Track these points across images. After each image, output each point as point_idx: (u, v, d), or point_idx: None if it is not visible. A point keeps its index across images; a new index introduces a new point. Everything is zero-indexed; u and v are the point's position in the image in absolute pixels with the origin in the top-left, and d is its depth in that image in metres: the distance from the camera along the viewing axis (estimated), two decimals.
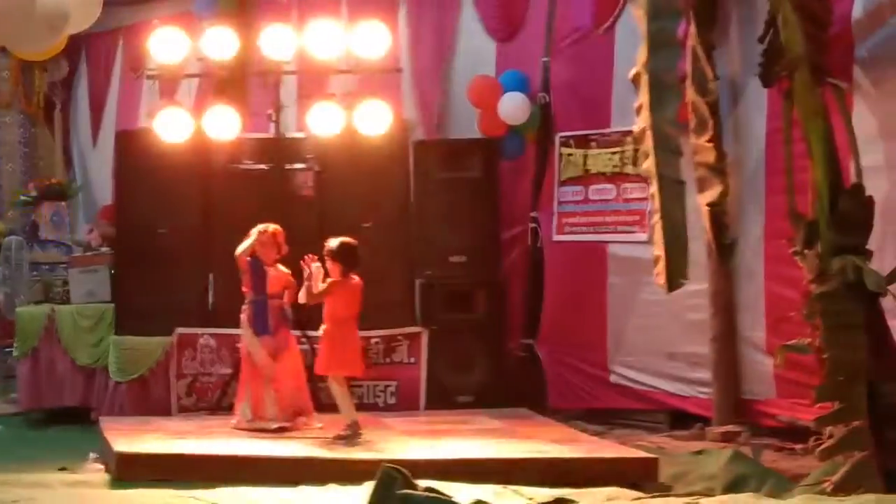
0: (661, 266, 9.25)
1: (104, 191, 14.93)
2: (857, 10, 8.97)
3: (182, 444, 9.33)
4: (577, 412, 11.11)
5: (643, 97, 9.41)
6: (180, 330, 11.19)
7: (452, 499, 7.23)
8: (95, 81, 15.54)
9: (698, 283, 9.87)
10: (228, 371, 11.01)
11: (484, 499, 7.46)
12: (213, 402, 10.98)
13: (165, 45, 11.26)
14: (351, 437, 9.48)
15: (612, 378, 11.04)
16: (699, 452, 9.08)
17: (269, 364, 10.09)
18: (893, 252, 8.62)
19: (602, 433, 10.34)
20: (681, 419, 10.45)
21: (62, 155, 16.05)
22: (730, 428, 9.79)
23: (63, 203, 14.99)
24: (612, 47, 11.04)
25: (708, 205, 9.24)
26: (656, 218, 9.32)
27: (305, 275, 9.69)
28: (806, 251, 8.17)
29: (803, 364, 8.60)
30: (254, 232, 10.15)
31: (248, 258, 10.15)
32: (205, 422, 10.50)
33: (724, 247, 9.36)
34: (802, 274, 8.31)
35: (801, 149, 8.35)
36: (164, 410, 11.05)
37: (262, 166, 11.42)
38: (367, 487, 7.48)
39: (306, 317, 10.45)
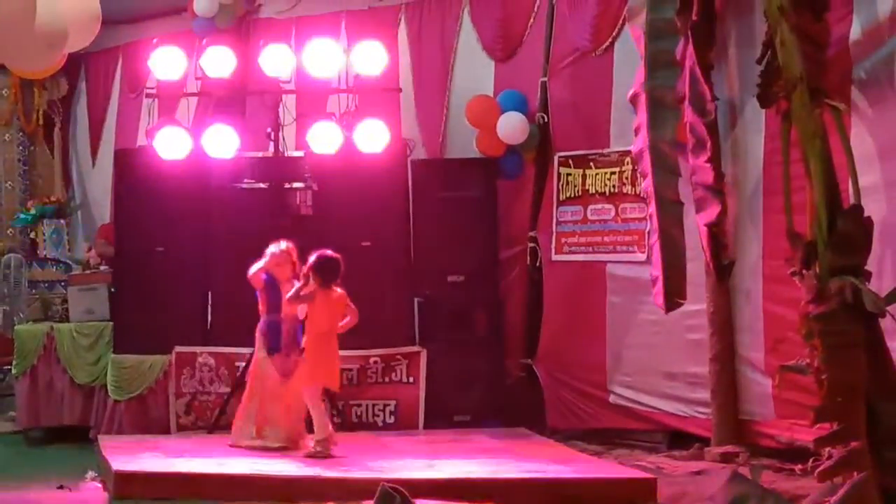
0: (660, 286, 9.27)
1: (103, 209, 14.92)
2: (855, 32, 8.99)
3: (180, 463, 9.32)
4: (576, 432, 11.10)
5: (642, 117, 9.44)
6: (179, 348, 11.18)
7: None
8: (94, 100, 15.54)
9: (697, 304, 9.87)
10: (227, 390, 11.01)
11: None
12: (212, 421, 10.97)
13: (164, 63, 11.32)
14: (321, 452, 9.50)
15: (611, 398, 11.02)
16: (698, 473, 9.08)
17: (277, 382, 10.08)
18: (892, 273, 8.62)
19: (601, 453, 10.34)
20: (679, 439, 10.43)
21: (61, 173, 16.04)
22: (729, 448, 9.76)
23: (62, 221, 15.03)
24: (611, 68, 11.04)
25: (706, 225, 9.22)
26: (655, 238, 9.34)
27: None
28: (804, 272, 8.16)
29: (802, 385, 8.58)
30: (268, 252, 10.14)
31: (264, 277, 10.14)
32: (203, 440, 10.50)
33: (722, 267, 9.34)
34: (801, 294, 8.30)
35: (799, 169, 8.35)
36: (162, 429, 11.05)
37: (261, 185, 11.43)
38: None
39: None
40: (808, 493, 8.07)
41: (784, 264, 8.59)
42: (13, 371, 12.17)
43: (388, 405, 11.17)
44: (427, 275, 11.52)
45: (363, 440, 9.82)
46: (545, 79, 11.68)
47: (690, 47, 9.40)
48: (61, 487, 9.21)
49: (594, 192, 11.19)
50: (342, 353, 10.05)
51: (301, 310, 9.88)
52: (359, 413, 10.97)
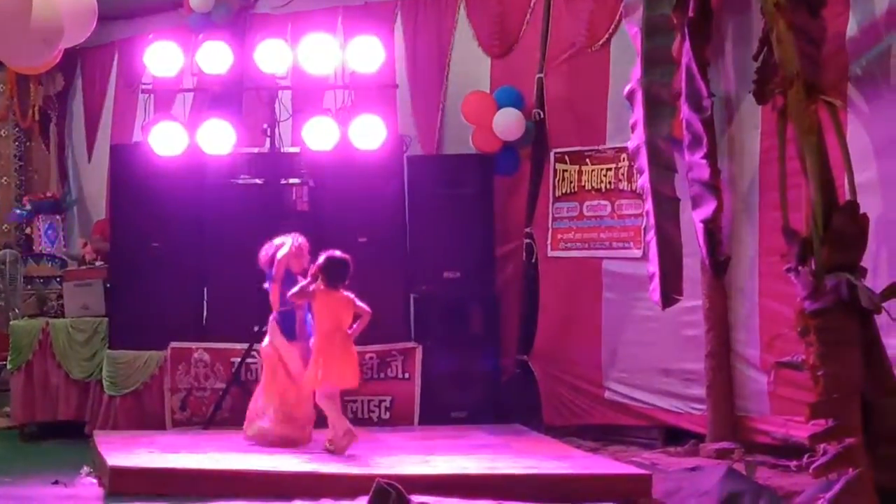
0: (657, 282, 9.26)
1: (99, 205, 14.91)
2: (852, 29, 8.99)
3: (176, 459, 9.31)
4: (572, 428, 11.10)
5: (638, 114, 9.42)
6: (174, 344, 11.18)
7: None
8: (90, 95, 15.51)
9: (693, 300, 9.87)
10: (222, 385, 11.00)
11: None
12: (207, 417, 10.96)
13: (160, 59, 11.29)
14: (338, 447, 9.51)
15: (607, 394, 11.03)
16: (693, 469, 9.08)
17: (300, 368, 10.07)
18: (887, 269, 8.63)
19: (596, 449, 10.34)
20: (675, 435, 10.44)
21: (57, 169, 16.03)
22: (724, 444, 9.77)
23: (58, 217, 15.01)
24: (607, 64, 11.05)
25: (702, 221, 9.22)
26: (651, 234, 9.33)
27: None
28: (800, 268, 8.16)
29: (797, 381, 8.60)
30: (287, 243, 10.12)
31: (284, 269, 10.12)
32: (199, 436, 10.49)
33: (718, 263, 9.34)
34: (796, 291, 8.31)
35: (795, 166, 8.35)
36: (158, 424, 11.04)
37: (257, 181, 11.42)
38: (361, 502, 7.49)
39: None
40: (803, 489, 8.08)
41: (780, 261, 8.59)
42: (8, 366, 12.14)
43: (384, 401, 11.17)
44: (423, 271, 11.52)
45: (359, 436, 9.79)
46: (541, 75, 11.68)
47: (687, 44, 9.40)
48: (56, 483, 9.19)
49: (590, 188, 11.19)
50: None
51: None
52: (354, 409, 10.96)
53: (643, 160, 9.39)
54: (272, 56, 11.17)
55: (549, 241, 11.49)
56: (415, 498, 7.50)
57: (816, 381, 7.95)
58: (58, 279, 12.98)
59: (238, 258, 11.06)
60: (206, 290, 11.58)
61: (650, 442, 10.51)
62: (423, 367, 11.20)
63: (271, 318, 10.23)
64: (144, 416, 11.18)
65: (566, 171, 11.40)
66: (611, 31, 10.98)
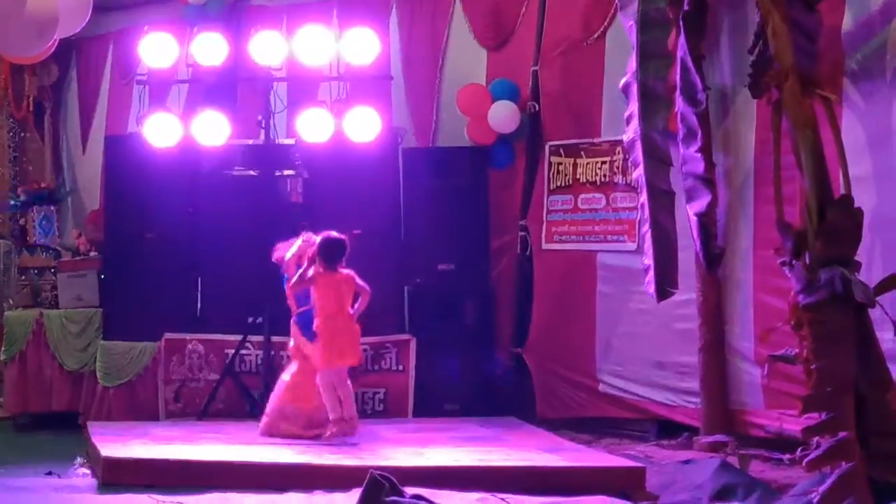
0: (652, 275, 9.27)
1: (93, 196, 14.88)
2: (847, 23, 8.98)
3: (170, 450, 9.30)
4: (566, 421, 11.11)
5: (633, 107, 9.42)
6: (168, 335, 11.17)
7: None
8: (85, 86, 15.49)
9: (687, 293, 9.87)
10: (216, 377, 11.00)
11: None
12: (201, 408, 10.96)
13: (155, 50, 11.28)
14: (332, 436, 9.54)
15: (601, 387, 11.03)
16: (687, 462, 9.08)
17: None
18: (882, 263, 8.63)
19: (590, 442, 10.35)
20: (669, 428, 10.45)
21: (51, 159, 16.01)
22: (717, 438, 9.77)
23: (52, 208, 14.99)
24: (602, 57, 11.04)
25: (696, 215, 9.22)
26: (646, 227, 9.33)
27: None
28: (794, 262, 8.16)
29: (791, 374, 8.60)
30: (296, 243, 10.10)
31: (297, 267, 10.10)
32: (193, 427, 10.49)
33: (712, 257, 9.32)
34: (790, 284, 8.31)
35: (790, 160, 8.34)
36: (151, 415, 11.04)
37: (251, 172, 11.40)
38: (354, 494, 7.48)
39: None
40: (797, 482, 8.09)
41: (774, 254, 8.60)
42: (2, 357, 12.15)
43: (378, 393, 11.18)
44: (417, 263, 11.52)
45: (356, 427, 9.80)
46: (536, 67, 11.67)
47: (682, 37, 9.38)
48: (50, 474, 9.19)
49: (585, 181, 11.19)
50: None
51: None
52: None
53: (638, 153, 9.39)
54: (267, 48, 11.15)
55: (543, 234, 11.50)
56: (408, 489, 7.50)
57: (810, 374, 7.96)
58: (52, 270, 12.98)
59: (232, 249, 11.09)
60: (199, 281, 11.57)
61: (644, 435, 10.51)
62: (417, 359, 11.20)
63: (292, 321, 10.23)
64: (138, 407, 11.19)
65: (561, 163, 11.39)
66: (606, 24, 10.98)
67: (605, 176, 11.02)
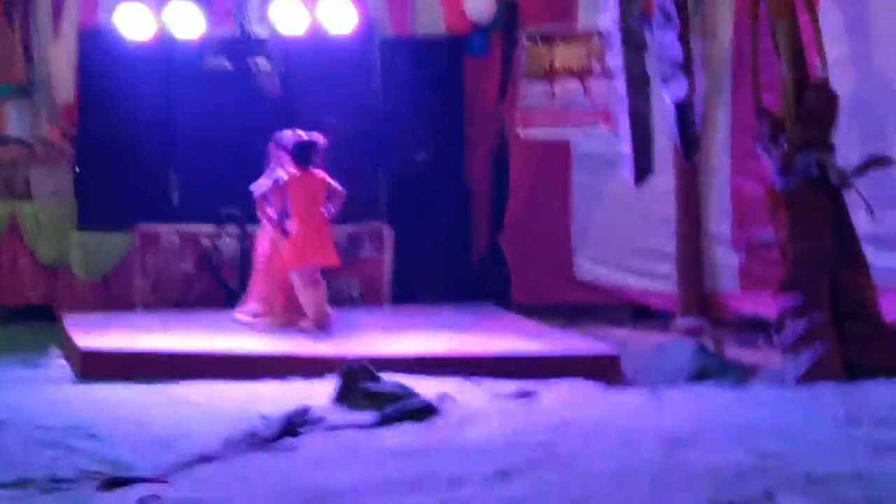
0: (629, 161, 9.25)
1: (66, 88, 14.72)
2: None
3: (146, 341, 9.32)
4: (542, 307, 11.13)
5: None
6: (143, 226, 11.14)
7: (417, 393, 7.28)
8: None
9: (664, 179, 9.87)
10: (192, 267, 11.01)
11: (448, 393, 7.50)
12: (177, 298, 10.97)
13: None
14: (311, 329, 9.59)
15: (577, 273, 11.06)
16: (662, 346, 9.15)
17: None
18: (858, 146, 8.63)
19: (566, 327, 10.38)
20: (645, 313, 10.50)
21: (21, 51, 15.83)
22: (693, 321, 9.83)
23: (25, 101, 14.83)
24: None
25: (674, 101, 9.20)
26: (622, 113, 9.30)
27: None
28: (771, 146, 8.17)
29: (766, 258, 8.65)
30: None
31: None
32: (168, 318, 10.48)
33: (689, 143, 9.32)
34: (767, 169, 8.32)
35: (767, 45, 8.31)
36: (128, 307, 11.04)
37: (226, 64, 11.30)
38: (331, 380, 7.53)
39: None
40: (771, 364, 8.16)
41: (751, 140, 8.59)
42: None
43: (353, 281, 11.19)
44: (393, 153, 11.49)
45: (332, 317, 9.83)
46: None
47: None
48: (25, 364, 9.21)
49: (561, 68, 11.12)
50: None
51: None
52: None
53: (615, 40, 9.33)
54: None
55: (519, 122, 11.45)
56: (385, 376, 7.55)
57: (786, 257, 8.00)
58: (25, 163, 12.87)
59: (207, 142, 11.04)
60: (175, 172, 11.51)
61: (620, 320, 10.57)
62: (394, 247, 11.21)
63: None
64: (114, 299, 11.17)
65: (538, 51, 11.32)
66: None
67: (581, 63, 10.96)
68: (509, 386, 7.80)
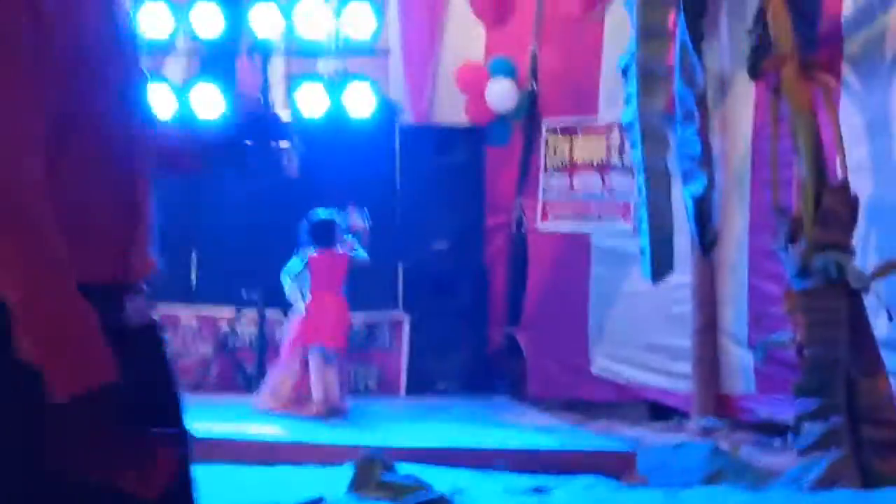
0: (648, 257, 9.30)
1: None
2: (848, 8, 8.98)
3: None
4: (558, 401, 11.12)
5: (632, 87, 9.43)
6: (162, 307, 11.17)
7: (430, 485, 7.29)
8: None
9: (681, 276, 9.89)
10: (209, 350, 11.03)
11: (462, 485, 7.50)
12: (194, 382, 10.99)
13: (153, 21, 11.25)
14: (318, 414, 9.60)
15: (593, 369, 11.06)
16: (678, 446, 9.12)
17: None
18: (877, 249, 8.66)
19: (582, 423, 10.37)
20: (660, 412, 10.48)
21: None
22: (709, 422, 9.81)
23: None
24: (601, 36, 11.01)
25: (693, 197, 9.26)
26: (642, 209, 9.36)
27: None
28: (789, 247, 8.21)
29: (783, 360, 8.65)
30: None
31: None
32: (186, 401, 10.45)
33: (707, 240, 9.37)
34: (785, 269, 8.36)
35: (787, 144, 8.38)
36: None
37: (247, 142, 11.35)
38: (347, 469, 7.53)
39: None
40: (787, 468, 8.13)
41: (770, 239, 8.64)
42: None
43: (371, 371, 11.21)
44: (412, 241, 11.53)
45: (346, 409, 9.83)
46: (535, 47, 11.65)
47: (682, 17, 9.40)
48: None
49: (581, 161, 11.19)
50: None
51: None
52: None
53: (636, 134, 9.41)
54: (265, 20, 11.13)
55: (538, 213, 11.51)
56: (400, 467, 7.56)
57: (802, 359, 8.02)
58: None
59: (227, 221, 11.09)
60: (194, 253, 11.57)
61: (635, 417, 10.54)
62: (411, 337, 11.23)
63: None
64: None
65: (558, 143, 11.40)
66: (606, 2, 10.96)
67: (601, 156, 11.03)
68: (523, 480, 7.79)
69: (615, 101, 10.17)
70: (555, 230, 11.41)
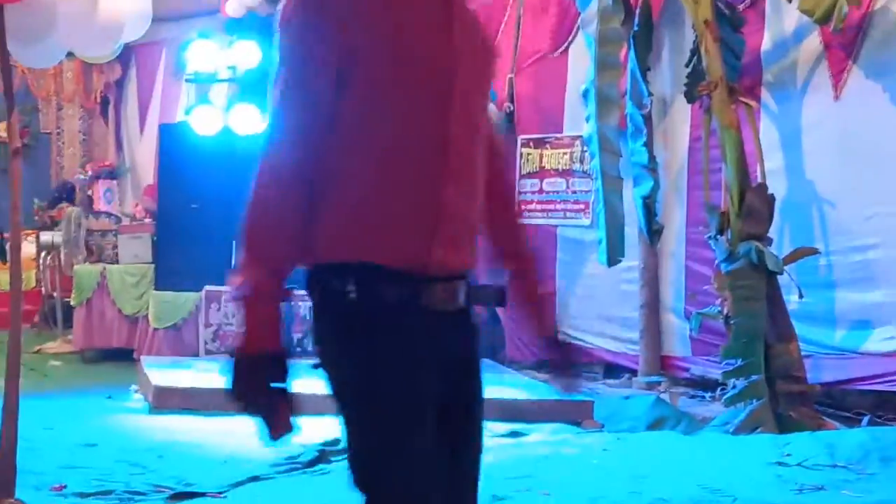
0: (603, 246, 9.32)
1: (147, 172, 14.89)
2: (766, 43, 9.02)
3: (208, 380, 9.32)
4: (530, 363, 11.13)
5: (591, 108, 9.45)
6: (208, 287, 11.17)
7: None
8: (143, 83, 15.44)
9: (631, 261, 9.91)
10: None
11: None
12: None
13: (201, 54, 11.26)
14: None
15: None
16: (627, 397, 9.14)
17: None
18: (789, 239, 8.69)
19: (549, 380, 10.36)
20: (613, 370, 10.49)
21: (114, 142, 16.00)
22: (653, 378, 9.84)
23: (114, 181, 15.01)
24: (566, 67, 11.02)
25: (641, 197, 9.28)
26: (599, 207, 9.37)
27: None
28: (718, 237, 8.23)
29: (713, 328, 8.67)
30: None
31: None
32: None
33: (653, 232, 9.40)
34: (715, 255, 8.38)
35: (716, 154, 8.41)
36: (193, 353, 11.05)
37: None
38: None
39: None
40: (716, 415, 8.16)
41: (702, 230, 8.66)
42: (72, 302, 12.16)
43: None
44: None
45: None
46: (512, 75, 11.64)
47: (632, 52, 9.43)
48: (110, 398, 9.24)
49: (549, 168, 11.19)
50: None
51: None
52: None
53: (594, 146, 9.43)
54: None
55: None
56: None
57: (729, 328, 8.05)
58: (113, 233, 12.98)
59: None
60: (234, 243, 11.53)
61: (593, 376, 10.55)
62: None
63: None
64: (183, 345, 11.19)
65: (530, 154, 11.40)
66: (570, 39, 10.95)
67: (566, 164, 11.03)
68: (503, 426, 7.80)
69: (578, 119, 10.18)
70: (528, 224, 11.37)
